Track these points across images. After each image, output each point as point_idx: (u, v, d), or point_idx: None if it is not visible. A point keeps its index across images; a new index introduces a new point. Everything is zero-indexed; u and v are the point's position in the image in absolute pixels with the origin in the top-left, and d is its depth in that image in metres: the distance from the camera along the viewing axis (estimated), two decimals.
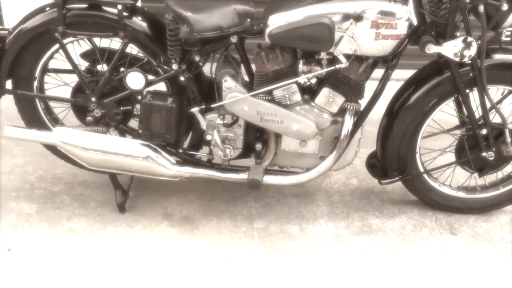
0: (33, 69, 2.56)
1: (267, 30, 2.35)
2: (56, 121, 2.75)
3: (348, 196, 2.96)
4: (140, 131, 2.58)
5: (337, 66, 2.36)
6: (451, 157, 2.78)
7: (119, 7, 2.34)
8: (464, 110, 2.56)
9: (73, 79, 2.65)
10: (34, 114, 2.67)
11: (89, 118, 2.56)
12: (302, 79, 2.44)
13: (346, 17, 2.29)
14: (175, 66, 2.43)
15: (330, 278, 2.44)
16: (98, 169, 2.57)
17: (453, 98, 2.56)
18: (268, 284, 2.40)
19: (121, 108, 2.57)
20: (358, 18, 2.24)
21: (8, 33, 2.50)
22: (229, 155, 2.56)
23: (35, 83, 2.60)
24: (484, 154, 2.61)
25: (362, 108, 2.53)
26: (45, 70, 2.61)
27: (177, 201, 2.83)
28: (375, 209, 2.87)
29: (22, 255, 2.46)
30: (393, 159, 2.68)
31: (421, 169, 2.73)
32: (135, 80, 2.43)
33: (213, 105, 2.49)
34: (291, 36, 2.33)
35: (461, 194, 2.81)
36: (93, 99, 2.53)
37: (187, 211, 2.78)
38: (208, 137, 2.44)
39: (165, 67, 2.48)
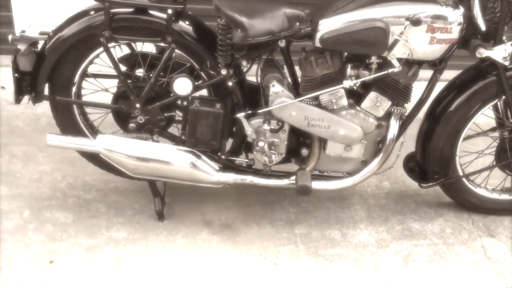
0: (72, 75, 2.45)
1: (319, 34, 2.30)
2: (91, 127, 2.64)
3: (383, 199, 2.92)
4: (183, 138, 2.49)
5: (390, 70, 2.32)
6: (487, 159, 2.77)
7: (169, 11, 2.25)
8: (508, 113, 2.55)
9: (111, 84, 2.56)
10: (70, 120, 2.56)
11: (132, 125, 2.47)
12: (352, 83, 2.39)
13: (401, 21, 2.25)
14: (223, 71, 2.35)
15: (379, 285, 2.40)
16: (141, 176, 2.48)
17: (496, 101, 2.54)
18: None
19: (165, 114, 2.48)
20: (416, 22, 2.19)
21: (48, 37, 2.39)
22: (274, 160, 2.49)
23: (74, 89, 2.49)
24: None
25: (407, 112, 2.50)
26: (84, 75, 2.50)
27: (214, 207, 2.76)
28: (412, 212, 2.84)
29: (65, 267, 2.35)
30: (435, 163, 2.65)
31: (460, 172, 2.71)
32: (182, 85, 2.34)
33: (260, 111, 2.42)
34: (345, 41, 2.27)
35: (496, 196, 2.81)
36: (138, 105, 2.43)
37: (226, 217, 2.71)
38: (261, 144, 2.37)
39: (212, 72, 2.40)
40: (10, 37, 2.38)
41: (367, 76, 2.38)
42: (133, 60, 2.50)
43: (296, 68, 2.50)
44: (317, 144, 2.52)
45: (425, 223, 2.78)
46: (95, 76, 2.54)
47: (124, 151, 2.39)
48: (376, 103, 2.43)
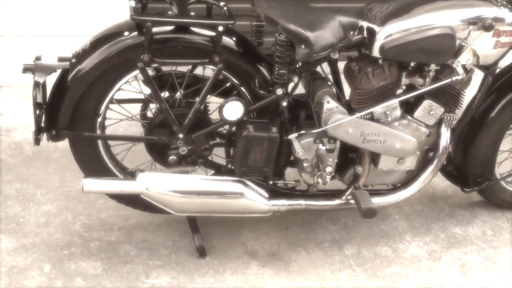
0: (98, 105, 2.06)
1: (378, 44, 2.06)
2: (116, 162, 2.24)
3: (418, 205, 2.75)
4: (230, 166, 2.18)
5: (454, 78, 2.13)
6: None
7: (220, 28, 1.91)
8: None
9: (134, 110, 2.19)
10: (94, 156, 2.16)
11: (172, 157, 2.11)
12: (412, 94, 2.17)
13: (465, 25, 2.06)
14: (279, 91, 2.05)
15: None
16: (187, 214, 2.15)
17: None
18: None
19: (210, 142, 2.15)
20: (489, 27, 2.01)
21: (71, 64, 1.97)
22: (328, 182, 2.24)
23: (99, 120, 2.09)
24: None
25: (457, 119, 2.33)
26: (110, 103, 2.11)
27: (253, 234, 2.46)
28: (449, 216, 2.70)
29: None
30: (478, 167, 2.51)
31: (497, 173, 2.60)
32: (233, 110, 2.02)
33: (315, 131, 2.15)
34: (410, 50, 2.05)
35: None
36: (181, 135, 2.08)
37: (269, 245, 2.43)
38: (328, 169, 2.10)
39: (262, 92, 2.09)
40: (22, 66, 1.95)
41: (422, 84, 2.19)
42: (157, 81, 2.14)
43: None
44: (367, 160, 2.30)
45: (465, 227, 2.64)
46: (120, 102, 2.15)
47: (171, 188, 2.04)
48: (430, 111, 2.24)
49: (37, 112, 1.94)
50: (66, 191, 2.62)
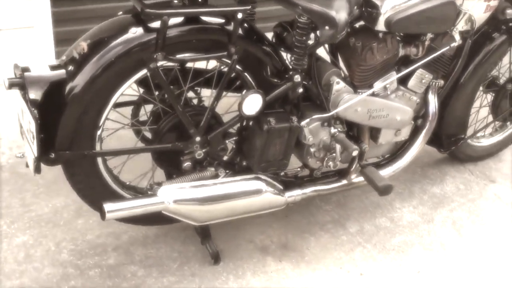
0: (98, 116, 1.72)
1: (383, 17, 1.95)
2: (114, 178, 1.91)
3: None
4: (244, 163, 1.96)
5: (452, 45, 2.10)
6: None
7: (239, 16, 1.66)
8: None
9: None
10: (95, 176, 1.82)
11: (187, 164, 1.85)
12: (411, 68, 2.11)
13: None
14: (297, 77, 1.86)
15: (459, 263, 2.26)
16: (209, 222, 1.91)
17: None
18: (416, 281, 2.13)
19: (226, 141, 1.90)
20: None
21: (69, 73, 1.59)
22: (338, 164, 2.13)
23: (98, 133, 1.75)
24: None
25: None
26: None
27: (256, 229, 2.29)
28: (423, 177, 2.73)
29: None
30: (453, 127, 2.55)
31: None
32: (252, 104, 1.81)
33: (328, 114, 2.01)
34: (416, 21, 1.98)
35: (485, 143, 2.83)
36: (198, 138, 1.81)
37: (277, 237, 2.27)
38: (341, 151, 1.97)
39: (275, 80, 1.89)
40: (6, 80, 1.55)
41: (416, 54, 2.14)
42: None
43: None
44: (367, 136, 2.22)
45: (441, 185, 2.69)
46: (117, 106, 1.82)
47: (196, 197, 1.79)
48: (422, 80, 2.21)
49: (41, 135, 1.56)
50: (34, 216, 2.23)
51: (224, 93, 1.94)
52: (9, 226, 2.18)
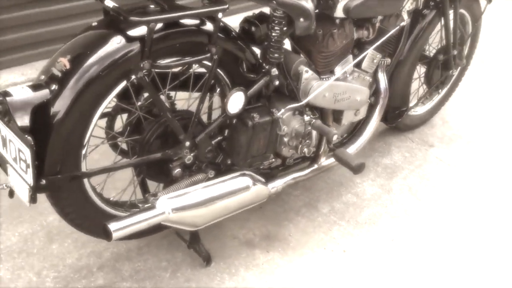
0: (83, 134, 1.60)
1: (342, 4, 2.00)
2: (99, 196, 1.79)
3: None
4: (229, 162, 1.93)
5: (402, 24, 2.19)
6: None
7: (220, 15, 1.61)
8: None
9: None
10: (83, 199, 1.70)
11: (178, 170, 1.78)
12: (375, 46, 2.18)
13: None
14: (275, 71, 1.85)
15: (423, 226, 2.40)
16: (206, 224, 1.86)
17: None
18: (393, 250, 2.24)
19: (213, 142, 1.85)
20: None
21: (53, 92, 1.46)
22: (312, 150, 2.16)
23: (83, 151, 1.63)
24: (451, 71, 2.83)
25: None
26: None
27: (236, 225, 2.27)
28: (372, 150, 2.84)
29: None
30: (397, 100, 2.67)
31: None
32: (236, 102, 1.78)
33: (300, 103, 2.03)
34: (371, 5, 2.05)
35: (419, 111, 3.00)
36: (187, 143, 1.75)
37: (258, 229, 2.28)
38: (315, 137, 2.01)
39: (251, 76, 1.86)
40: None
41: (367, 36, 2.22)
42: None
43: None
44: (331, 119, 2.27)
45: (389, 156, 2.83)
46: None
47: (193, 203, 1.74)
48: (373, 60, 2.30)
49: (36, 162, 1.43)
50: (3, 248, 2.06)
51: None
52: None
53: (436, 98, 3.04)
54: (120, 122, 1.88)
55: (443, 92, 3.00)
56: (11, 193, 1.65)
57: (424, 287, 2.10)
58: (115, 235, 1.57)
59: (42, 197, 2.21)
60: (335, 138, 2.03)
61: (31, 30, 3.06)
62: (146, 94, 1.82)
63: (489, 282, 2.14)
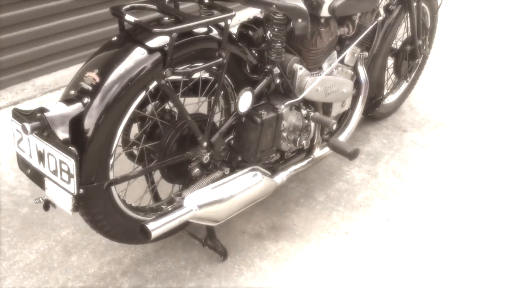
0: (111, 143, 1.67)
1: (326, 5, 2.15)
2: (124, 203, 1.86)
3: None
4: (240, 158, 2.05)
5: (380, 18, 2.37)
6: None
7: (229, 22, 1.73)
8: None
9: None
10: (111, 206, 1.77)
11: (197, 170, 1.88)
12: (359, 40, 2.35)
13: None
14: (277, 70, 1.98)
15: (412, 204, 2.59)
16: (226, 219, 1.96)
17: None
18: (389, 227, 2.41)
19: (225, 140, 1.96)
20: None
21: (86, 105, 1.53)
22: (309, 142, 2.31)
23: (111, 161, 1.70)
24: (417, 60, 3.05)
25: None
26: None
27: (242, 220, 2.38)
28: (354, 140, 2.98)
29: None
30: (373, 91, 2.85)
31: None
32: (245, 101, 1.89)
33: (297, 99, 2.16)
34: (353, 3, 2.20)
35: (391, 100, 3.21)
36: (205, 143, 1.85)
37: (264, 222, 2.40)
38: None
39: (254, 76, 1.99)
40: (27, 126, 1.46)
41: (348, 32, 2.38)
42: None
43: None
44: (321, 111, 2.43)
45: (369, 143, 3.01)
46: None
47: (215, 199, 1.85)
48: (354, 54, 2.47)
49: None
50: (23, 266, 2.09)
51: (204, 98, 2.01)
52: (2, 283, 2.01)
53: (404, 87, 3.26)
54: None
55: (410, 80, 3.22)
56: (46, 206, 1.70)
57: (419, 257, 2.28)
58: (154, 233, 1.66)
59: (54, 213, 2.28)
60: (335, 127, 2.18)
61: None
62: (153, 103, 1.91)
63: (473, 245, 2.35)
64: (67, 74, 3.31)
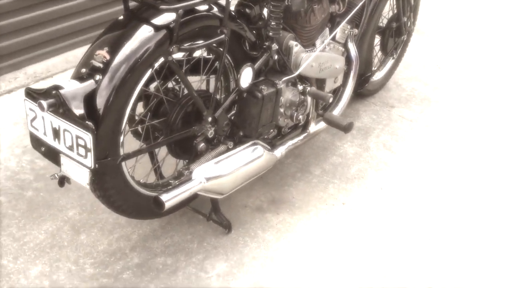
0: (122, 120, 1.72)
1: None
2: (133, 179, 1.92)
3: None
4: (241, 133, 2.11)
5: None
6: None
7: None
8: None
9: None
10: (123, 183, 1.83)
11: (202, 145, 1.94)
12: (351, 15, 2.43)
13: None
14: (275, 46, 2.05)
15: (403, 175, 2.70)
16: (231, 191, 2.04)
17: None
18: (383, 197, 2.52)
19: (228, 115, 2.02)
20: None
21: (98, 82, 1.58)
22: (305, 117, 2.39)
23: (121, 139, 1.76)
24: (403, 37, 3.14)
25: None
26: None
27: (243, 195, 2.45)
28: (344, 116, 2.98)
29: None
30: (363, 68, 2.94)
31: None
32: (246, 77, 1.96)
33: (294, 74, 2.24)
34: None
35: (378, 77, 3.30)
36: (210, 118, 1.91)
37: (264, 196, 2.48)
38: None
39: (253, 53, 2.05)
40: (44, 103, 1.51)
41: (338, 10, 2.46)
42: None
43: None
44: (315, 87, 2.50)
45: (359, 119, 3.10)
46: None
47: (222, 172, 1.92)
48: (344, 31, 2.54)
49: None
50: (34, 246, 2.14)
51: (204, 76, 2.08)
52: (14, 263, 2.06)
53: (390, 64, 3.35)
54: None
55: (396, 57, 3.32)
56: (62, 182, 1.75)
57: (412, 223, 2.39)
58: (167, 204, 1.73)
59: (59, 195, 2.33)
60: (331, 100, 2.26)
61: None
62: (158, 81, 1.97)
63: (461, 209, 2.47)
64: (58, 62, 3.34)
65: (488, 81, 3.55)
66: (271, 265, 2.14)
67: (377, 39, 3.13)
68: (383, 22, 3.12)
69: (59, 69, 3.31)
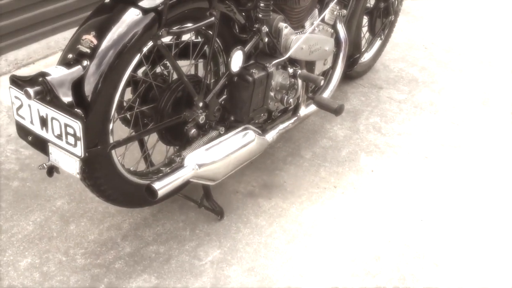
0: (109, 107, 1.67)
1: None
2: (123, 166, 1.87)
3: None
4: (232, 118, 2.08)
5: None
6: None
7: None
8: None
9: None
10: (112, 172, 1.78)
11: (194, 131, 1.90)
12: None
13: None
14: (265, 28, 2.00)
15: (393, 156, 2.69)
16: (223, 178, 2.00)
17: None
18: (374, 179, 2.51)
19: (219, 100, 1.98)
20: None
21: (86, 68, 1.52)
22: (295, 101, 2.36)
23: (111, 126, 1.71)
24: (390, 17, 3.12)
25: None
26: None
27: (234, 181, 2.42)
28: (332, 98, 3.04)
29: None
30: (351, 49, 2.91)
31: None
32: (237, 61, 1.92)
33: (284, 57, 2.20)
34: None
35: (364, 59, 3.27)
36: (201, 103, 1.86)
37: (255, 181, 2.45)
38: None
39: (243, 36, 2.01)
40: (30, 91, 1.45)
41: None
42: None
43: None
44: (305, 70, 2.47)
45: (348, 102, 3.08)
46: None
47: (214, 158, 1.88)
48: (333, 12, 2.51)
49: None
50: (22, 237, 2.09)
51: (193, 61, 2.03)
52: (3, 255, 2.01)
53: (377, 45, 3.33)
54: None
55: (383, 38, 3.29)
56: (50, 172, 1.70)
57: (404, 203, 2.38)
58: (160, 192, 1.69)
59: (46, 184, 2.28)
60: (322, 83, 2.23)
61: None
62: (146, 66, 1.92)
63: (452, 188, 2.47)
64: (39, 47, 3.25)
65: (475, 61, 3.54)
66: (264, 251, 2.11)
67: (365, 20, 3.10)
68: (371, 2, 3.09)
69: (41, 55, 3.23)
